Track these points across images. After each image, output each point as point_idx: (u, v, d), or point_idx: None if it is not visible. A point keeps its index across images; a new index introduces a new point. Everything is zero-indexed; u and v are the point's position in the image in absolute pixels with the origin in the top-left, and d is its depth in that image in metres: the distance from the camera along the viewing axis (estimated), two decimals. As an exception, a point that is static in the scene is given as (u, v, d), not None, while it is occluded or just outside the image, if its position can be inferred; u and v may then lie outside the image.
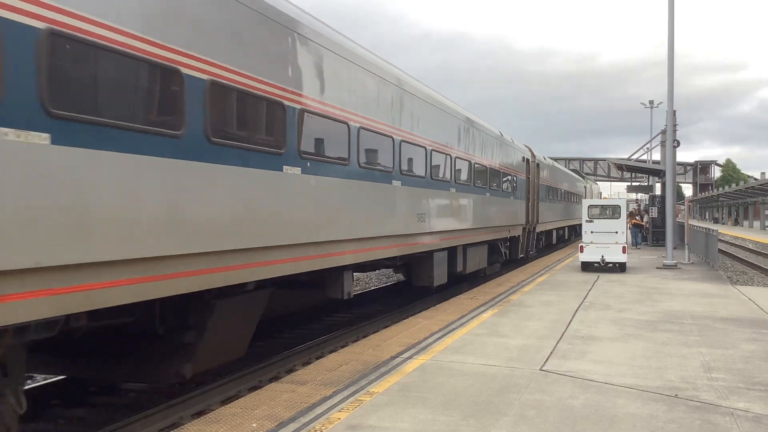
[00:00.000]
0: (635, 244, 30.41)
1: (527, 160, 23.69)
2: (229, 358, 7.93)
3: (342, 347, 10.40)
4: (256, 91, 7.16)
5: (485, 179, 17.45)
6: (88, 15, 5.08)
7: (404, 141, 11.77)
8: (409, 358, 8.08)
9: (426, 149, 12.93)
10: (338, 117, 9.15)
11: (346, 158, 9.50)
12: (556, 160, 42.86)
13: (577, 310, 11.83)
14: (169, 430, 6.83)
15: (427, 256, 13.30)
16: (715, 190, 78.46)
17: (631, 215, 31.01)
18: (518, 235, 22.14)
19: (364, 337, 11.07)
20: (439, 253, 13.72)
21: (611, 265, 18.99)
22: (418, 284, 13.86)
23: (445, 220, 14.10)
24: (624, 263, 19.09)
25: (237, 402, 6.49)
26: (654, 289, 15.04)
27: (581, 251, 19.32)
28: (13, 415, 5.21)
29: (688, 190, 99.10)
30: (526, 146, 24.78)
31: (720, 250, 25.76)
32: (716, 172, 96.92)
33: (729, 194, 68.14)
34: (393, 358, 8.08)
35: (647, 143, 40.65)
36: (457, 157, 14.96)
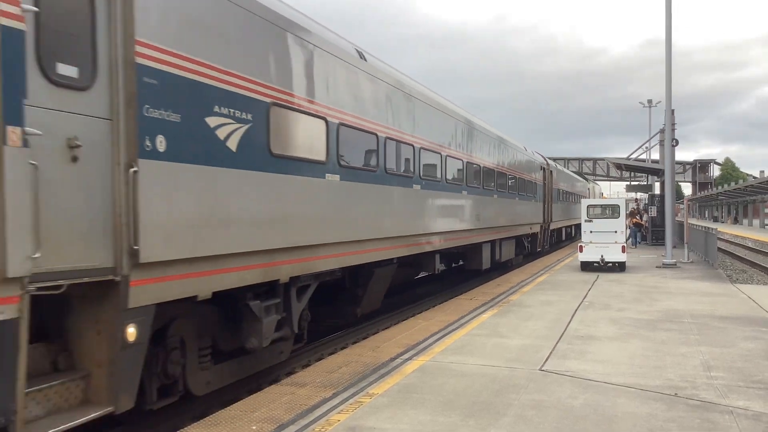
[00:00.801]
0: (633, 243, 30.38)
1: (543, 168, 27.88)
2: (373, 307, 12.00)
3: (342, 349, 10.40)
4: (402, 143, 11.75)
5: (516, 187, 21.84)
6: (355, 114, 9.75)
7: (469, 162, 16.08)
8: (409, 359, 8.08)
9: (480, 166, 17.21)
10: (433, 149, 13.48)
11: (440, 178, 13.83)
12: (555, 160, 43.72)
13: (576, 310, 11.83)
14: (168, 433, 6.84)
15: (478, 247, 17.34)
16: (715, 189, 78.50)
17: (631, 215, 31.01)
18: (537, 231, 26.03)
19: (363, 338, 11.07)
20: (486, 244, 17.98)
21: (611, 264, 18.98)
22: (471, 267, 17.99)
23: (490, 219, 18.10)
24: (623, 263, 19.08)
25: (236, 405, 6.49)
26: (653, 288, 15.04)
27: (581, 251, 19.31)
28: (305, 324, 9.11)
29: (687, 189, 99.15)
30: (541, 155, 29.20)
31: (719, 249, 25.77)
32: (715, 171, 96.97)
33: (728, 193, 68.14)
34: (392, 359, 8.09)
35: (646, 142, 40.71)
36: (499, 171, 19.42)
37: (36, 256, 4.45)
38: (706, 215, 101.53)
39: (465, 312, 11.70)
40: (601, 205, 20.40)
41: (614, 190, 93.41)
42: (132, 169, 5.42)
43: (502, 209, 19.47)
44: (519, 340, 9.16)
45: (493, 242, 18.74)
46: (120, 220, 5.37)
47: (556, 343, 9.02)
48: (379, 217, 10.65)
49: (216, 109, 6.46)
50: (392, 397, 6.46)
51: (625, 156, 47.21)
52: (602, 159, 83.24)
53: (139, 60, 5.52)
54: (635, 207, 33.73)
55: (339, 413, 5.98)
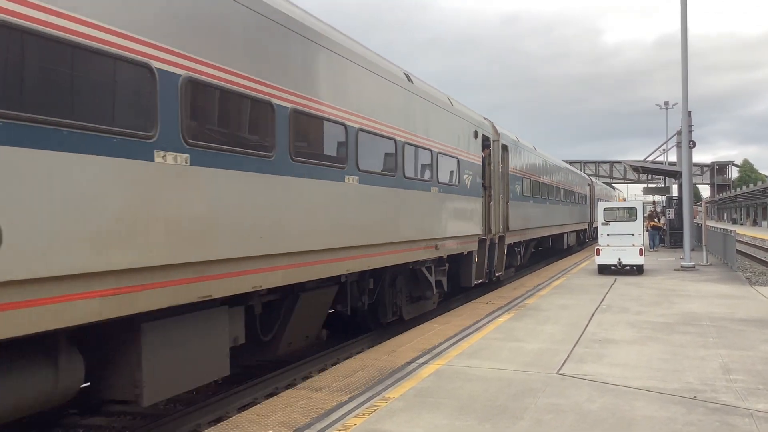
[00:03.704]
0: (652, 246, 30.12)
1: (589, 184, 40.50)
2: (523, 262, 21.87)
3: (357, 353, 10.40)
4: (551, 185, 26.43)
5: (578, 199, 34.56)
6: (541, 175, 24.46)
7: (563, 188, 29.09)
8: (425, 363, 8.07)
9: (566, 189, 29.96)
10: (555, 184, 27.25)
11: (555, 198, 26.33)
12: (571, 163, 45.95)
13: (593, 314, 11.75)
14: (186, 437, 6.89)
15: (561, 236, 29.44)
16: (733, 191, 77.66)
17: (650, 217, 30.73)
18: (585, 228, 38.04)
19: (379, 342, 11.06)
20: (564, 234, 29.98)
21: (628, 267, 18.81)
22: (557, 247, 29.79)
23: (566, 218, 29.57)
24: (641, 266, 18.90)
25: (253, 409, 6.51)
26: (672, 291, 14.90)
27: (597, 254, 19.16)
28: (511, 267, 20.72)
29: (705, 191, 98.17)
30: (586, 174, 45.02)
31: (738, 251, 25.46)
32: (733, 173, 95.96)
33: (747, 194, 67.43)
34: (408, 363, 8.08)
35: (663, 144, 40.35)
36: (572, 191, 32.04)
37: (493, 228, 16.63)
38: (725, 217, 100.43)
39: (481, 316, 11.67)
40: (619, 208, 20.22)
41: (631, 193, 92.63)
42: (507, 203, 17.65)
43: (572, 213, 31.83)
44: (536, 344, 9.12)
45: (567, 233, 31.10)
46: (504, 217, 17.36)
47: (573, 346, 8.96)
48: (540, 217, 22.66)
49: (517, 183, 18.93)
50: (408, 401, 6.46)
51: (642, 158, 46.85)
52: (619, 162, 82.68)
53: (510, 173, 18.10)
54: (653, 210, 33.46)
55: (355, 417, 5.98)
